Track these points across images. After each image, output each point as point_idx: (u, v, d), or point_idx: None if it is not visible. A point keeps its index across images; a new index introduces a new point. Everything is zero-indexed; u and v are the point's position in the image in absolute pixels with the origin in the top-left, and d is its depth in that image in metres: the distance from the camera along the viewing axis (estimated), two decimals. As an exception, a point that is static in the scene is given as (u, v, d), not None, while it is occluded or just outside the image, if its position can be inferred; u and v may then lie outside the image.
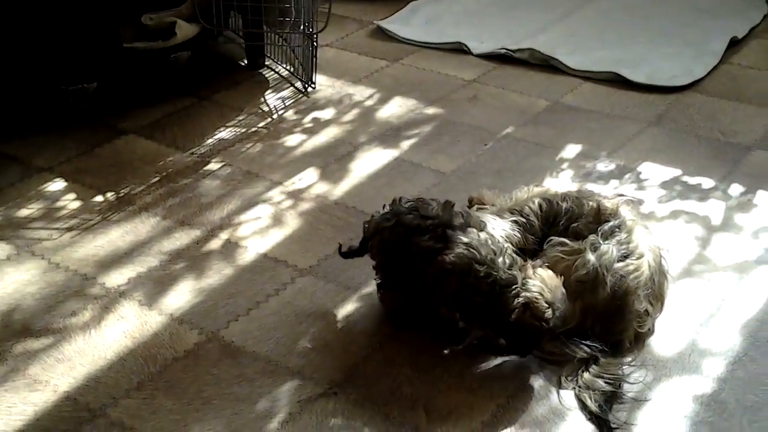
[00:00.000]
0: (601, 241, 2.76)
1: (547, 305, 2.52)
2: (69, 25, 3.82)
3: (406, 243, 2.67)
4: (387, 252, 2.75)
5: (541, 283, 2.56)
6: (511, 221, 2.88)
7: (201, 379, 2.61)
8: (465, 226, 2.65)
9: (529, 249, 2.86)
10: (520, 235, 2.85)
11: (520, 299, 2.52)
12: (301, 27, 4.27)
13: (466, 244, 2.59)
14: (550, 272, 2.63)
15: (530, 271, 2.58)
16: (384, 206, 2.78)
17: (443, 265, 2.58)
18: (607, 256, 2.71)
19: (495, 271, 2.53)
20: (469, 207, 3.06)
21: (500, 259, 2.57)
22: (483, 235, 2.62)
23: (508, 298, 2.53)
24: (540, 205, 2.93)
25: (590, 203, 2.91)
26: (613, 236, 2.78)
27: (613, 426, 2.46)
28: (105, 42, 3.91)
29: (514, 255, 2.62)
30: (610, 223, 2.82)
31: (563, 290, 2.60)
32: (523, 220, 2.90)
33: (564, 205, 2.92)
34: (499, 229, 2.81)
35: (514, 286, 2.53)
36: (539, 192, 3.01)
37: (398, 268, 2.73)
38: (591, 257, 2.71)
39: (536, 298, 2.51)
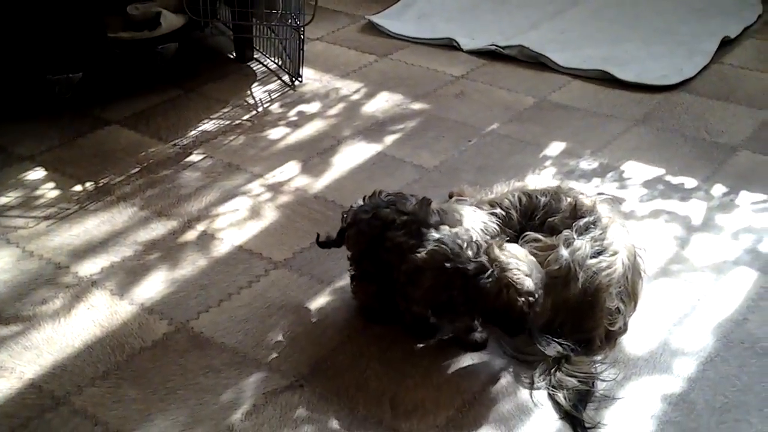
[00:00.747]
0: (575, 237, 2.74)
1: (526, 277, 2.47)
2: (55, 14, 3.80)
3: (381, 237, 2.65)
4: (362, 244, 2.73)
5: (512, 258, 2.51)
6: (489, 213, 2.86)
7: (167, 369, 2.59)
8: (440, 223, 2.63)
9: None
10: (497, 228, 2.83)
11: (498, 281, 2.47)
12: (289, 20, 4.25)
13: (437, 240, 2.56)
14: (515, 245, 2.61)
15: (496, 251, 2.53)
16: (363, 198, 2.76)
17: (415, 262, 2.56)
18: (580, 251, 2.69)
19: (461, 263, 2.50)
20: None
21: (467, 252, 2.54)
22: (454, 230, 2.60)
23: (484, 284, 2.48)
24: (519, 199, 2.92)
25: (568, 199, 2.89)
26: (588, 232, 2.77)
27: (587, 425, 2.44)
28: (90, 32, 3.89)
29: (480, 241, 2.58)
30: (585, 219, 2.80)
31: (533, 258, 2.57)
32: (502, 212, 2.88)
33: (542, 199, 2.91)
34: (477, 220, 2.80)
35: (486, 272, 2.49)
36: (519, 186, 2.99)
37: (372, 261, 2.72)
38: (564, 252, 2.69)
39: (514, 275, 2.46)
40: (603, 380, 2.56)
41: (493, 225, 2.82)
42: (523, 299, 2.46)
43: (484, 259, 2.51)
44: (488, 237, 2.73)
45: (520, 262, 2.51)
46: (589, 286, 2.65)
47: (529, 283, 2.47)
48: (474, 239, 2.59)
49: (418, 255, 2.55)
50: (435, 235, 2.58)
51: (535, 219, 2.90)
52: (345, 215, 2.79)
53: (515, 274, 2.47)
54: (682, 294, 2.92)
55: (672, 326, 2.78)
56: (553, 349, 2.62)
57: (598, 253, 2.71)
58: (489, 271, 2.49)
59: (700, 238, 3.21)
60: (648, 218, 3.33)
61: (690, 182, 3.55)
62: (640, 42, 4.81)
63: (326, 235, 2.86)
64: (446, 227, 2.61)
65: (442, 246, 2.54)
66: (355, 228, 2.73)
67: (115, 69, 4.25)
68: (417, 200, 2.70)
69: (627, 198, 3.45)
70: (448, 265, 2.50)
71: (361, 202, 2.76)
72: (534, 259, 2.58)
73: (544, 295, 2.64)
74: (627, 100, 4.24)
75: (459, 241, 2.54)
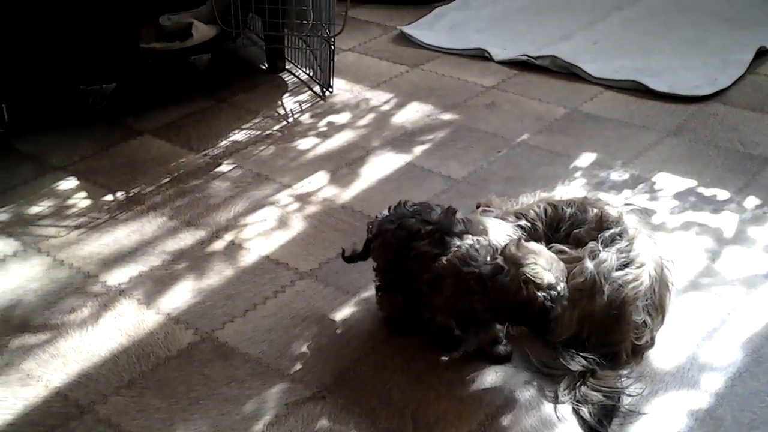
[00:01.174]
0: (600, 249, 2.71)
1: (545, 271, 2.43)
2: (88, 26, 3.85)
3: (406, 247, 2.65)
4: (388, 254, 2.72)
5: (530, 254, 2.48)
6: (514, 225, 2.85)
7: (191, 378, 2.60)
8: (464, 232, 2.62)
9: None
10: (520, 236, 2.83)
11: (515, 278, 2.43)
12: (320, 30, 4.27)
13: (456, 248, 2.55)
14: (532, 243, 2.57)
15: (512, 248, 2.49)
16: (388, 208, 2.76)
17: (436, 270, 2.55)
18: (605, 264, 2.67)
19: (477, 267, 2.48)
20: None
21: (481, 255, 2.52)
22: (476, 238, 2.58)
23: (503, 283, 2.45)
24: (545, 210, 2.90)
25: (594, 210, 2.87)
26: (614, 244, 2.74)
27: (611, 440, 2.41)
28: (123, 43, 3.93)
29: (494, 243, 2.57)
30: (612, 231, 2.78)
31: (552, 254, 2.53)
32: (528, 224, 2.87)
33: (568, 210, 2.89)
34: (501, 232, 2.78)
35: (503, 271, 2.45)
36: (545, 197, 2.97)
37: (398, 271, 2.71)
38: (589, 264, 2.67)
39: (531, 269, 2.42)
40: (629, 395, 2.52)
41: (520, 236, 2.81)
42: (543, 293, 2.41)
43: (500, 259, 2.48)
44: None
45: (538, 257, 2.47)
46: (614, 299, 2.63)
47: (549, 277, 2.43)
48: (490, 243, 2.57)
49: (439, 263, 2.55)
50: (457, 242, 2.57)
51: (560, 230, 2.88)
52: (370, 226, 2.79)
53: (533, 269, 2.43)
54: (711, 308, 2.88)
55: (700, 340, 2.74)
56: (577, 363, 2.60)
57: (624, 266, 2.68)
58: (505, 270, 2.46)
59: (731, 251, 3.17)
60: (678, 230, 3.29)
61: (722, 194, 3.50)
62: (673, 53, 4.76)
63: (352, 249, 2.86)
64: (470, 236, 2.60)
65: (460, 252, 2.53)
66: (381, 239, 2.73)
67: (148, 79, 4.29)
68: (442, 210, 2.68)
69: (657, 210, 3.41)
70: (465, 269, 2.49)
71: (386, 213, 2.75)
72: (553, 254, 2.54)
73: (571, 308, 2.62)
74: (659, 111, 4.20)
75: (477, 247, 2.52)
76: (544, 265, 2.46)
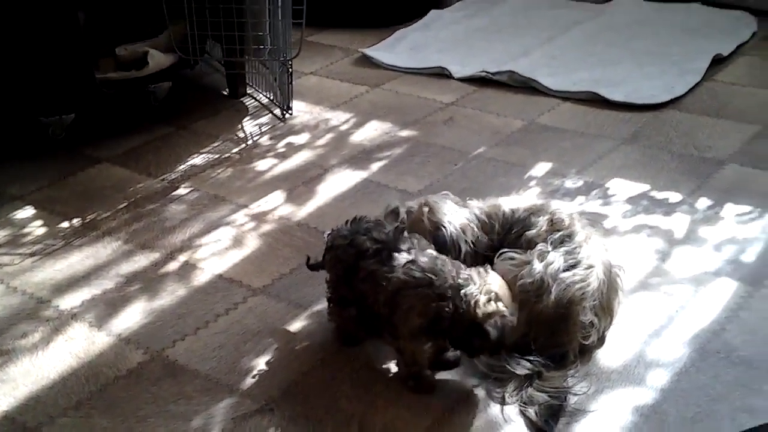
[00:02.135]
0: (549, 249, 2.72)
1: (488, 297, 2.42)
2: (45, 58, 3.88)
3: (356, 267, 2.63)
4: (339, 270, 2.73)
5: (498, 280, 2.49)
6: (471, 213, 2.88)
7: (140, 397, 2.60)
8: (411, 249, 2.59)
9: (481, 252, 2.86)
10: (476, 230, 2.86)
11: (486, 294, 2.43)
12: (278, 54, 4.31)
13: (409, 262, 2.54)
14: (492, 272, 2.55)
15: (474, 272, 2.50)
16: (347, 222, 2.76)
17: (389, 287, 2.51)
18: (553, 265, 2.68)
19: (447, 277, 2.47)
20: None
21: (447, 267, 2.51)
22: (426, 252, 2.58)
23: (460, 299, 2.43)
24: (503, 212, 2.92)
25: (546, 214, 2.88)
26: (562, 246, 2.75)
27: (559, 440, 2.41)
28: (78, 74, 3.96)
29: (450, 262, 2.56)
30: (561, 233, 2.79)
31: (506, 290, 2.51)
32: (484, 218, 2.89)
33: (522, 214, 2.91)
34: (460, 216, 2.85)
35: (472, 286, 2.45)
36: (502, 201, 3.00)
37: (348, 287, 2.71)
38: (538, 266, 2.68)
39: (486, 293, 2.43)
40: (575, 394, 2.53)
41: (473, 226, 2.86)
42: (492, 318, 2.41)
43: (471, 275, 2.48)
44: (468, 238, 2.79)
45: (493, 285, 2.47)
46: (561, 299, 2.63)
47: (501, 306, 2.42)
48: (445, 259, 2.58)
49: (393, 279, 2.52)
50: (405, 257, 2.57)
51: (512, 233, 2.90)
52: (328, 235, 2.79)
53: (501, 288, 2.45)
54: (660, 306, 2.89)
55: (648, 338, 2.75)
56: (523, 368, 2.59)
57: (572, 267, 2.69)
58: (465, 288, 2.45)
59: (681, 251, 3.19)
60: (630, 233, 3.31)
61: (675, 197, 3.53)
62: (632, 64, 4.81)
63: (315, 259, 2.85)
64: (417, 251, 2.60)
65: (414, 266, 2.53)
66: (333, 253, 2.73)
67: (107, 109, 4.32)
68: (391, 228, 2.68)
69: (610, 214, 3.43)
70: (435, 279, 2.47)
71: (344, 226, 2.75)
72: (508, 291, 2.52)
73: (519, 310, 2.62)
74: (615, 120, 4.24)
75: (440, 260, 2.52)
76: (501, 295, 2.45)
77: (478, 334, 2.45)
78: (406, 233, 2.67)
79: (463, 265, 2.57)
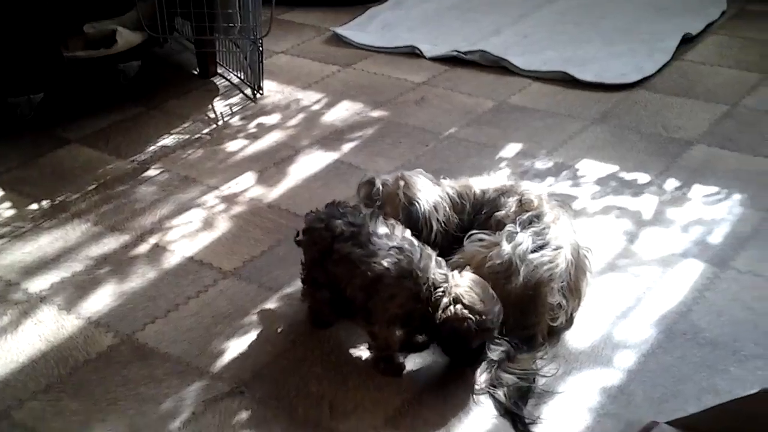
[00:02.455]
0: (518, 230, 2.74)
1: (478, 299, 2.46)
2: (12, 37, 3.83)
3: (330, 249, 2.63)
4: (313, 253, 2.72)
5: (469, 280, 2.52)
6: (444, 192, 2.92)
7: (109, 380, 2.60)
8: (390, 235, 2.59)
9: (450, 232, 2.88)
10: (448, 209, 2.88)
11: (449, 296, 2.47)
12: (248, 33, 4.28)
13: (394, 248, 2.53)
14: (475, 275, 2.57)
15: (456, 273, 2.53)
16: (325, 205, 2.75)
17: (372, 273, 2.50)
18: (521, 245, 2.69)
19: (430, 273, 2.49)
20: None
21: (432, 262, 2.52)
22: (407, 239, 2.58)
23: (438, 297, 2.49)
24: (474, 192, 2.94)
25: (515, 196, 2.90)
26: (531, 226, 2.77)
27: (527, 421, 2.44)
28: (46, 52, 3.92)
29: (440, 259, 2.58)
30: (529, 213, 2.81)
31: (492, 291, 2.53)
32: (456, 198, 2.91)
33: (492, 195, 2.93)
34: (433, 194, 2.88)
35: (443, 286, 2.49)
36: (474, 181, 3.02)
37: (322, 270, 2.70)
38: (506, 247, 2.69)
39: (465, 292, 2.46)
40: (543, 376, 2.56)
41: (444, 205, 2.89)
42: (471, 316, 2.43)
43: (448, 273, 2.51)
44: (439, 216, 2.84)
45: (475, 286, 2.49)
46: (530, 280, 2.65)
47: (479, 305, 2.45)
48: (430, 252, 2.57)
49: (375, 266, 2.51)
50: (387, 242, 2.55)
51: (482, 213, 2.93)
52: (306, 216, 2.78)
53: (467, 291, 2.46)
54: (628, 288, 2.93)
55: (615, 320, 2.78)
56: (495, 352, 2.60)
57: (540, 248, 2.71)
58: (447, 285, 2.48)
59: (649, 232, 3.22)
60: (599, 214, 3.34)
61: (643, 178, 3.56)
62: (602, 42, 4.83)
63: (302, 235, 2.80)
64: (397, 235, 2.59)
65: (402, 255, 2.50)
66: (308, 235, 2.73)
67: (76, 88, 4.28)
68: (368, 212, 2.67)
69: (579, 195, 3.45)
70: (420, 273, 2.48)
71: (322, 209, 2.74)
72: (493, 294, 2.53)
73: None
74: (586, 100, 4.26)
75: (421, 250, 2.53)
76: (480, 294, 2.47)
77: (439, 335, 2.50)
78: (382, 218, 2.66)
79: (443, 261, 2.58)
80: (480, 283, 2.54)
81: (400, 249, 2.53)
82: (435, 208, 2.88)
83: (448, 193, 2.95)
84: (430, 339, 2.64)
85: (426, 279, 2.49)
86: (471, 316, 2.44)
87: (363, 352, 2.68)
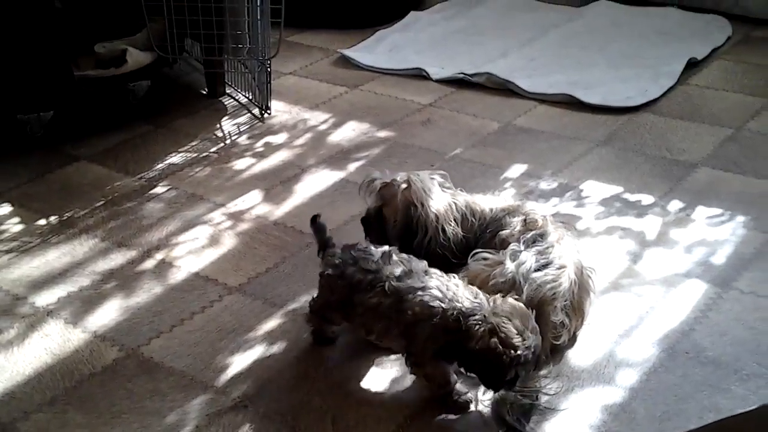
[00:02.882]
0: (522, 249, 2.76)
1: (516, 332, 2.36)
2: (23, 55, 3.88)
3: (350, 301, 2.57)
4: (329, 298, 2.67)
5: (510, 309, 2.42)
6: (453, 202, 2.95)
7: (114, 393, 2.62)
8: (408, 272, 2.53)
9: (452, 244, 2.90)
10: (452, 222, 2.92)
11: (487, 325, 2.38)
12: (256, 54, 4.32)
13: (421, 289, 2.47)
14: (518, 303, 2.48)
15: (498, 300, 2.46)
16: (342, 248, 2.68)
17: (408, 318, 2.46)
18: (525, 264, 2.70)
19: (459, 302, 2.43)
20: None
21: (462, 291, 2.47)
22: (435, 276, 2.54)
23: (472, 325, 2.39)
24: (482, 210, 2.96)
25: (520, 215, 2.92)
26: (534, 245, 2.78)
27: (530, 438, 2.45)
28: (57, 71, 3.96)
29: (466, 290, 2.50)
30: (533, 232, 2.82)
31: (534, 322, 2.44)
32: (467, 215, 2.95)
33: (498, 213, 2.95)
34: (444, 200, 2.92)
35: (478, 314, 2.40)
36: (480, 198, 3.05)
37: (340, 315, 2.67)
38: (510, 265, 2.71)
39: (503, 323, 2.37)
40: (546, 393, 2.56)
41: (450, 216, 2.91)
42: (505, 349, 2.34)
43: (482, 300, 2.45)
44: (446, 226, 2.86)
45: (513, 318, 2.39)
46: (533, 299, 2.66)
47: (516, 339, 2.35)
48: (462, 282, 2.53)
49: (409, 312, 2.46)
50: (412, 285, 2.49)
51: (487, 232, 2.94)
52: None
53: (504, 324, 2.37)
54: (631, 307, 2.94)
55: (618, 338, 2.80)
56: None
57: (544, 266, 2.73)
58: (482, 313, 2.40)
59: (653, 252, 3.23)
60: (602, 234, 3.36)
61: (647, 199, 3.58)
62: (608, 66, 4.86)
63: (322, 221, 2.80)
64: (423, 274, 2.54)
65: (427, 295, 2.46)
66: (326, 281, 2.67)
67: (86, 107, 4.33)
68: (380, 254, 2.60)
69: (583, 216, 3.47)
70: (448, 308, 2.43)
71: (338, 251, 2.67)
72: (535, 324, 2.44)
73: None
74: (591, 123, 4.29)
75: (453, 282, 2.50)
76: (518, 326, 2.38)
77: (472, 365, 2.43)
78: (395, 256, 2.59)
79: (474, 289, 2.51)
80: (521, 312, 2.43)
81: (425, 288, 2.48)
82: (437, 216, 2.90)
83: (459, 206, 2.96)
84: (464, 368, 2.51)
85: (452, 309, 2.42)
86: (505, 351, 2.34)
87: (363, 369, 2.69)
